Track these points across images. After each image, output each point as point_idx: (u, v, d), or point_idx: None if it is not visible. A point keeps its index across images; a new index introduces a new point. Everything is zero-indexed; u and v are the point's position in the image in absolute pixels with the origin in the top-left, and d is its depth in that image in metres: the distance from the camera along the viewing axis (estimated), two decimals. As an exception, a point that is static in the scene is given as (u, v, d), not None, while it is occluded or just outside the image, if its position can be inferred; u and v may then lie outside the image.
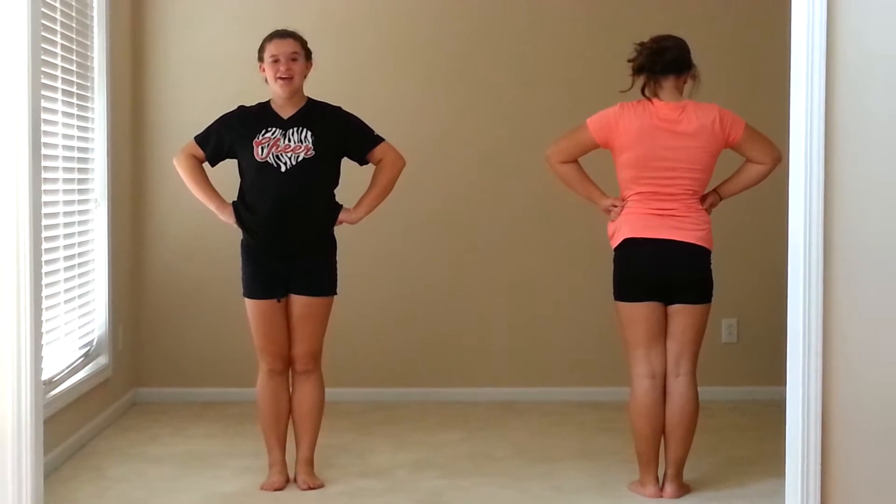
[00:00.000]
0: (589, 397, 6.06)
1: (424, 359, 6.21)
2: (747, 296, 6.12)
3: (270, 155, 4.38)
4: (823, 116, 3.50)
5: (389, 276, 6.19)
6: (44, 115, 4.13)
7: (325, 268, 4.51)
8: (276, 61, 4.40)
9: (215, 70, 6.11)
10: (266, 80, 4.48)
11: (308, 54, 4.49)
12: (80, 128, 5.30)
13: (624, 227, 4.38)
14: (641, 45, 4.41)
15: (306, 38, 4.52)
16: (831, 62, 3.49)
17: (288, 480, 4.51)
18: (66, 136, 5.08)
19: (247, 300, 4.48)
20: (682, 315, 4.37)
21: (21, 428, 3.59)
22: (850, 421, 3.54)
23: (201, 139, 4.54)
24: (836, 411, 3.54)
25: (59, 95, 4.96)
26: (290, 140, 4.40)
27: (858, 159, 3.52)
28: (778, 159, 4.36)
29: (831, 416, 3.54)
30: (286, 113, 4.45)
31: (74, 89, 5.20)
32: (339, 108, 4.55)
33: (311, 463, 4.56)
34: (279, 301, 4.44)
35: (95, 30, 5.49)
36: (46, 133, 4.53)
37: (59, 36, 4.95)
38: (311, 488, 4.48)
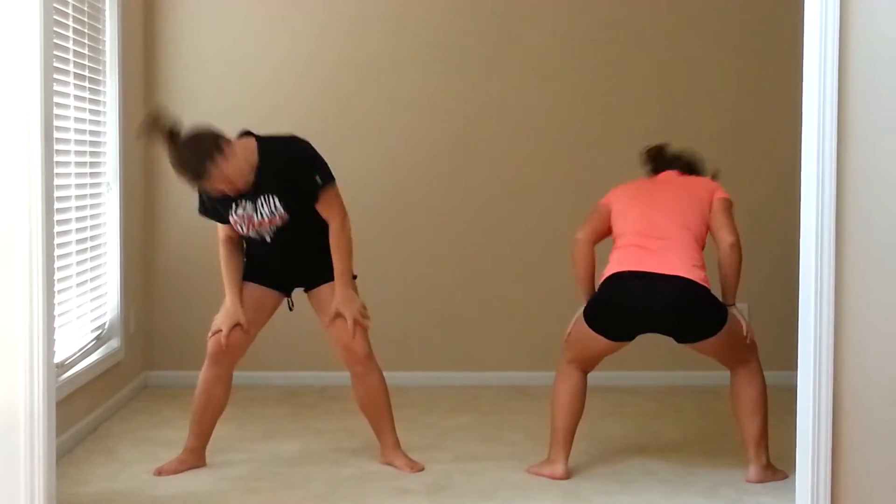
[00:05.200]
0: (598, 382, 5.99)
1: (435, 343, 6.22)
2: (758, 280, 6.10)
3: (251, 231, 4.36)
4: (836, 102, 3.48)
5: (401, 261, 6.19)
6: (56, 100, 4.13)
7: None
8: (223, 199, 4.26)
9: (226, 56, 6.12)
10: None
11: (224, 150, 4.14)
12: (92, 112, 5.30)
13: (609, 267, 4.36)
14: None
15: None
16: (844, 46, 3.48)
17: (192, 468, 4.49)
18: (78, 121, 5.09)
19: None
20: (706, 347, 4.29)
21: (33, 410, 3.60)
22: (861, 406, 3.53)
23: (204, 212, 4.43)
24: (847, 396, 3.53)
25: (70, 79, 4.97)
26: (261, 214, 4.30)
27: (871, 145, 3.51)
28: (737, 243, 4.34)
29: (842, 401, 3.53)
30: (248, 188, 4.26)
31: (86, 73, 5.21)
32: (291, 142, 4.32)
33: (400, 445, 4.59)
34: (283, 294, 4.50)
35: (107, 13, 5.49)
36: (58, 117, 4.53)
37: (70, 20, 4.95)
38: (415, 470, 4.50)
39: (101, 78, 5.45)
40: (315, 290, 4.49)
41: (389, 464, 4.56)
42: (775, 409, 5.53)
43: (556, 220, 6.18)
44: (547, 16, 6.16)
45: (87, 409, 5.06)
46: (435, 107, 6.17)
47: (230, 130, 4.45)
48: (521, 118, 6.17)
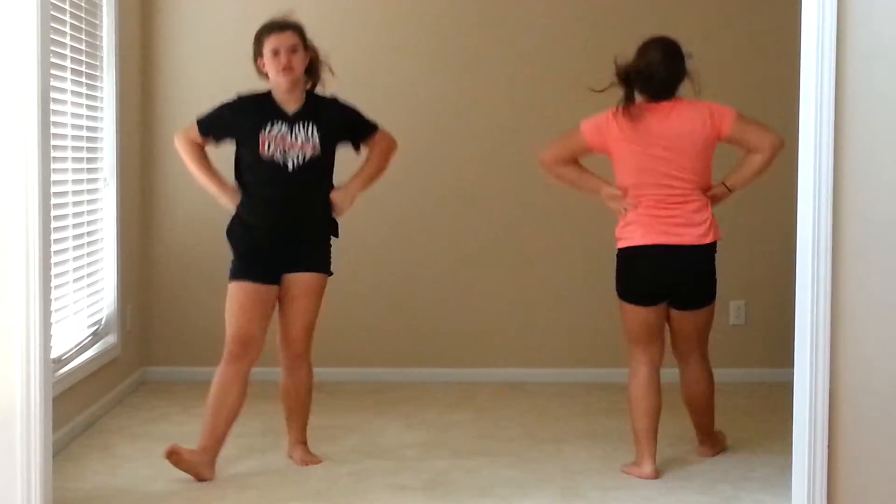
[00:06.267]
0: (596, 378, 6.06)
1: (433, 340, 6.21)
2: (755, 277, 6.11)
3: (277, 152, 4.35)
4: (833, 99, 3.49)
5: (398, 256, 6.19)
6: (52, 94, 4.13)
7: (323, 247, 4.50)
8: (276, 54, 4.33)
9: (224, 50, 6.10)
10: (260, 74, 4.42)
11: (306, 44, 4.43)
12: (88, 107, 5.30)
13: (629, 235, 4.37)
14: (626, 70, 4.34)
15: (308, 25, 4.47)
16: (841, 45, 3.48)
17: (198, 474, 4.31)
18: (74, 116, 5.08)
19: (235, 283, 4.38)
20: (689, 319, 4.46)
21: (30, 406, 3.60)
22: (857, 403, 3.54)
23: (205, 125, 4.45)
24: (843, 393, 3.54)
25: (67, 74, 4.96)
26: (296, 136, 4.36)
27: (868, 142, 3.51)
28: (777, 145, 4.30)
29: (839, 398, 3.54)
30: (290, 107, 4.39)
31: (83, 68, 5.20)
32: (336, 98, 4.52)
33: (306, 442, 4.59)
34: (275, 285, 4.41)
35: (104, 8, 5.49)
36: (55, 112, 4.53)
37: (68, 15, 4.94)
38: (309, 464, 4.51)
39: (97, 73, 5.44)
40: (295, 275, 4.42)
41: (291, 457, 4.56)
42: (773, 406, 5.56)
43: (556, 216, 6.18)
44: (540, 13, 6.15)
45: (83, 405, 5.06)
46: (430, 103, 6.16)
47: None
48: (515, 115, 6.16)
